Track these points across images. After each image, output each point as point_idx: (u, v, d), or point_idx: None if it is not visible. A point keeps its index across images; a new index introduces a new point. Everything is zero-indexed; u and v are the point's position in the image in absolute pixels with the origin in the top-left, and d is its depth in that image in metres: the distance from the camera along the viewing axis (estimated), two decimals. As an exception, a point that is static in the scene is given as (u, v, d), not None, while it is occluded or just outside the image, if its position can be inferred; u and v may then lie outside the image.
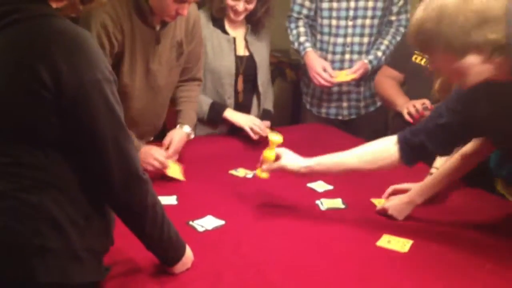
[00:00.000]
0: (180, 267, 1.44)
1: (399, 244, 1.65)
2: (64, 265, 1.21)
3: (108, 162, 1.20)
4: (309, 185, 2.08)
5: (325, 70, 2.61)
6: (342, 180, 2.13)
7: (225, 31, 2.45)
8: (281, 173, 1.88)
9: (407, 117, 2.21)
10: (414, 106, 2.20)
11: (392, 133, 1.74)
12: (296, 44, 2.75)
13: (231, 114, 2.44)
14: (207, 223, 1.74)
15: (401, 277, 1.50)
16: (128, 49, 1.96)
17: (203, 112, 2.42)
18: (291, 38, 2.77)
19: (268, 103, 2.63)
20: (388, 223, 1.79)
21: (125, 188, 1.24)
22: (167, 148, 2.08)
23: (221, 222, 1.75)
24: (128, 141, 1.23)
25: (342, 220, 1.82)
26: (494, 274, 1.50)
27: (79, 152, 1.21)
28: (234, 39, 2.45)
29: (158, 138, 2.41)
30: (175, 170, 2.09)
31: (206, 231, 1.70)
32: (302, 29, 2.74)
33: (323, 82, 2.61)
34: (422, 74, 2.27)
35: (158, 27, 2.02)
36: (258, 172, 1.83)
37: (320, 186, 2.08)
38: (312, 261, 1.56)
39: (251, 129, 2.38)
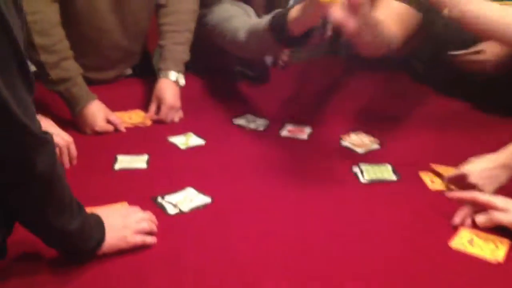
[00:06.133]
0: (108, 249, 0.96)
1: (488, 247, 1.02)
2: None
3: None
4: (344, 143, 1.45)
5: None
6: (394, 133, 1.48)
7: None
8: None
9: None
10: None
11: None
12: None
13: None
14: (184, 200, 1.14)
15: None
16: None
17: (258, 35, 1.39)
18: None
19: None
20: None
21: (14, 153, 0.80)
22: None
23: (206, 200, 1.14)
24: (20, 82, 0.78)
25: (393, 201, 1.19)
26: None
27: None
28: None
29: (140, 73, 1.80)
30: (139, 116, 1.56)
31: (180, 214, 1.10)
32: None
33: None
34: None
35: None
36: None
37: (358, 142, 1.44)
38: (343, 268, 0.97)
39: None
